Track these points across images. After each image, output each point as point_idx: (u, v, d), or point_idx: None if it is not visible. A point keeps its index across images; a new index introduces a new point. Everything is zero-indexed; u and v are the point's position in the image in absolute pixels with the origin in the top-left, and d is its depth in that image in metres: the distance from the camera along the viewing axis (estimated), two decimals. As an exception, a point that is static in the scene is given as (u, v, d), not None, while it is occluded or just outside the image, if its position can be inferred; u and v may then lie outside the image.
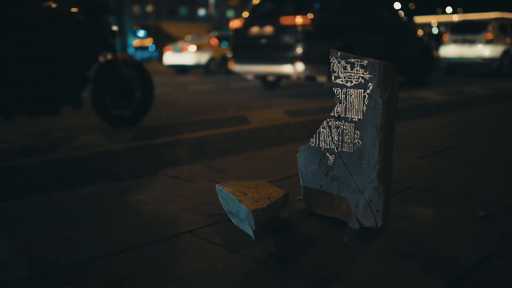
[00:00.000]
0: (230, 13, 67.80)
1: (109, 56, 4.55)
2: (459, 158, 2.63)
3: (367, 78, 1.51)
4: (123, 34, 20.97)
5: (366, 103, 1.52)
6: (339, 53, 1.59)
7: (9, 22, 3.58)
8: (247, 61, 8.33)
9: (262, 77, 9.14)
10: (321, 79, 7.76)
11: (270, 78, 9.32)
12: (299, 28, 7.49)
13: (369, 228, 1.55)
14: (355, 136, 1.55)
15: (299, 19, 7.42)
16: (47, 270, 1.28)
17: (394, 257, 1.35)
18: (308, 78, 8.06)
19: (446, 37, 14.94)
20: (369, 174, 1.53)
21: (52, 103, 3.96)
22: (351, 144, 1.56)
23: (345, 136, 1.58)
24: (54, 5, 3.88)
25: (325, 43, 7.46)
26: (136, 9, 58.60)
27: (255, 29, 8.12)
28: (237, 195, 1.55)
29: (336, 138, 1.60)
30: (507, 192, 1.97)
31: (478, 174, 2.26)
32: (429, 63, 10.62)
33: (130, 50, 22.73)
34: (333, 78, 1.60)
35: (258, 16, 8.21)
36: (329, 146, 1.62)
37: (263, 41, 8.04)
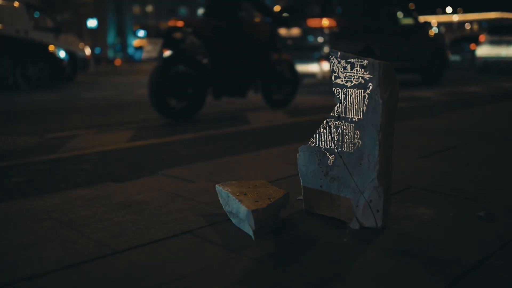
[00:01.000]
0: None
1: (276, 55, 6.01)
2: (459, 158, 2.63)
3: (367, 78, 1.51)
4: (123, 34, 21.06)
5: (366, 103, 1.52)
6: (339, 53, 1.59)
7: (241, 32, 5.58)
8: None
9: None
10: None
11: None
12: (326, 30, 8.21)
13: (369, 228, 1.55)
14: (355, 136, 1.55)
15: (325, 22, 8.13)
16: (47, 270, 1.28)
17: (394, 257, 1.35)
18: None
19: (483, 38, 16.14)
20: (369, 174, 1.53)
21: (247, 88, 5.73)
22: (351, 144, 1.56)
23: (345, 136, 1.58)
24: (257, 20, 6.36)
25: (348, 43, 8.16)
26: (136, 9, 58.58)
27: (282, 31, 8.78)
28: (237, 195, 1.55)
29: (336, 138, 1.60)
30: (507, 192, 1.97)
31: (478, 174, 2.26)
32: (443, 63, 11.02)
33: (130, 50, 22.75)
34: (333, 78, 1.60)
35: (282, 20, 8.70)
36: (329, 146, 1.62)
37: (290, 42, 8.69)
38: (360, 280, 1.21)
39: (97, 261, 1.33)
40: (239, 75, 5.59)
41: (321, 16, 8.32)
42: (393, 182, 1.68)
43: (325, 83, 9.30)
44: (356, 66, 1.54)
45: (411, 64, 10.01)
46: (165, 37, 4.98)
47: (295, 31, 8.62)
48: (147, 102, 5.05)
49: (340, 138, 1.59)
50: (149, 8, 58.77)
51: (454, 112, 5.21)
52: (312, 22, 8.34)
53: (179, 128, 4.63)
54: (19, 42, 9.64)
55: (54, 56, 9.86)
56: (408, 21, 10.28)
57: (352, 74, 1.55)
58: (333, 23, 8.17)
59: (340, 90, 1.58)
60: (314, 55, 8.29)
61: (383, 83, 1.49)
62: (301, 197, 1.78)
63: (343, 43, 8.17)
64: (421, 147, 2.92)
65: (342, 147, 1.59)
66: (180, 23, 5.05)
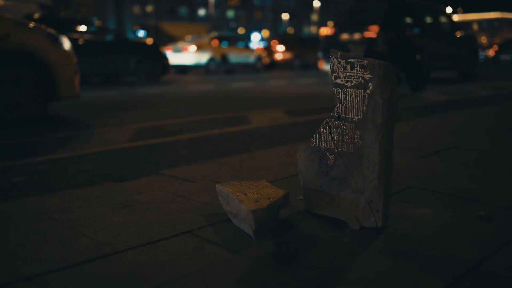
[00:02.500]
0: (230, 13, 67.84)
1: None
2: (459, 158, 2.63)
3: (367, 78, 1.51)
4: (123, 34, 21.35)
5: (366, 103, 1.52)
6: (339, 53, 1.59)
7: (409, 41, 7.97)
8: None
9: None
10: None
11: None
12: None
13: (369, 228, 1.55)
14: (355, 136, 1.55)
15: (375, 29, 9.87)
16: (47, 270, 1.28)
17: (394, 257, 1.35)
18: None
19: None
20: (369, 174, 1.53)
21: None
22: (351, 144, 1.56)
23: (345, 136, 1.58)
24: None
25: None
26: (136, 9, 58.60)
27: (344, 36, 10.44)
28: (237, 195, 1.55)
29: (336, 138, 1.60)
30: (507, 192, 1.97)
31: (478, 174, 2.26)
32: (476, 61, 12.31)
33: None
34: (333, 78, 1.60)
35: (345, 27, 10.68)
36: (329, 146, 1.62)
37: (350, 46, 10.13)
38: (360, 280, 1.21)
39: (97, 261, 1.33)
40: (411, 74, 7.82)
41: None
42: (393, 182, 1.68)
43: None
44: (356, 66, 1.54)
45: (452, 62, 11.39)
46: (368, 44, 7.80)
47: (356, 36, 10.24)
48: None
49: (340, 138, 1.59)
50: (149, 8, 58.79)
51: (454, 112, 5.20)
52: (372, 29, 9.95)
53: (178, 128, 4.63)
54: (141, 45, 12.52)
55: (163, 55, 12.44)
56: (447, 23, 11.63)
57: (352, 74, 1.55)
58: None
59: (340, 90, 1.58)
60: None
61: (383, 83, 1.49)
62: (301, 197, 1.78)
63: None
64: (421, 147, 2.92)
65: (342, 147, 1.59)
66: (373, 34, 7.98)
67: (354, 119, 1.55)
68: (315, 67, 20.30)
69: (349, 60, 1.56)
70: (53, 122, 5.04)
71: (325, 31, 11.44)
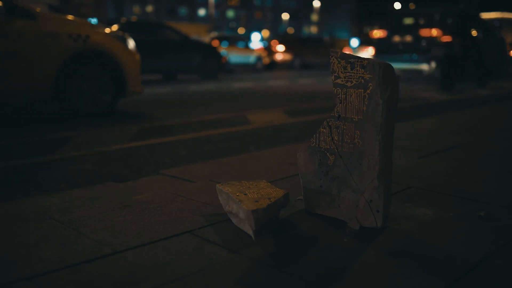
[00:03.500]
0: (230, 13, 67.88)
1: None
2: (459, 158, 2.63)
3: (367, 78, 1.51)
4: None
5: (366, 103, 1.52)
6: (339, 53, 1.59)
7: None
8: (388, 60, 10.88)
9: None
10: None
11: (399, 74, 13.22)
12: (438, 39, 10.79)
13: (369, 228, 1.55)
14: (355, 136, 1.55)
15: (434, 31, 10.76)
16: (47, 270, 1.28)
17: (394, 257, 1.35)
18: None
19: None
20: (369, 174, 1.53)
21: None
22: (351, 144, 1.56)
23: (345, 136, 1.58)
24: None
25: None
26: (136, 9, 58.59)
27: (396, 38, 11.49)
28: (237, 195, 1.55)
29: (336, 138, 1.60)
30: (507, 192, 1.97)
31: (478, 174, 2.26)
32: (506, 59, 13.23)
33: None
34: (333, 78, 1.60)
35: (397, 29, 11.63)
36: (329, 146, 1.62)
37: (401, 47, 11.34)
38: (360, 280, 1.21)
39: (97, 261, 1.33)
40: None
41: (430, 27, 10.99)
42: (393, 182, 1.68)
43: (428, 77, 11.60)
44: (356, 66, 1.54)
45: (489, 62, 12.29)
46: (445, 46, 9.66)
47: (408, 38, 11.21)
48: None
49: (340, 138, 1.59)
50: (149, 8, 58.78)
51: (454, 112, 5.21)
52: (423, 32, 10.94)
53: (179, 128, 4.63)
54: (203, 45, 14.06)
55: (219, 54, 13.84)
56: (491, 29, 12.57)
57: (352, 74, 1.55)
58: (440, 33, 10.70)
59: (340, 90, 1.58)
60: (424, 56, 10.74)
61: (383, 83, 1.49)
62: (301, 197, 1.78)
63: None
64: (421, 147, 2.92)
65: (342, 147, 1.59)
66: (448, 38, 9.86)
67: (354, 119, 1.55)
68: (316, 67, 20.62)
69: (349, 60, 1.56)
70: (124, 116, 5.52)
71: (378, 33, 12.74)
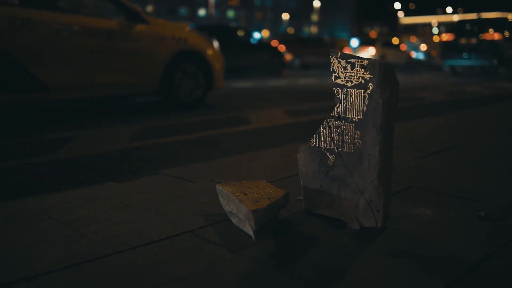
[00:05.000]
0: (230, 13, 67.86)
1: None
2: (459, 158, 2.63)
3: (367, 78, 1.51)
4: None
5: (366, 103, 1.52)
6: (339, 53, 1.59)
7: None
8: (454, 59, 14.90)
9: (452, 68, 15.40)
10: (501, 69, 14.46)
11: (459, 69, 15.49)
12: (496, 41, 13.86)
13: (369, 228, 1.55)
14: (355, 136, 1.55)
15: (496, 35, 13.81)
16: (47, 270, 1.28)
17: (394, 257, 1.35)
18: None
19: None
20: (369, 174, 1.53)
21: None
22: (351, 144, 1.56)
23: (345, 136, 1.58)
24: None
25: (507, 48, 13.99)
26: (136, 9, 58.53)
27: (462, 41, 14.41)
28: (237, 195, 1.55)
29: (336, 138, 1.60)
30: (507, 192, 1.97)
31: (478, 174, 2.26)
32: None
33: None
34: (333, 78, 1.60)
35: (462, 33, 14.56)
36: (329, 146, 1.62)
37: (466, 48, 14.23)
38: (360, 280, 1.21)
39: (97, 261, 1.33)
40: None
41: (493, 32, 14.00)
42: (393, 182, 1.68)
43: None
44: (356, 66, 1.54)
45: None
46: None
47: (473, 41, 14.17)
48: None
49: (341, 138, 1.59)
50: (149, 8, 58.76)
51: (454, 112, 5.20)
52: (486, 36, 13.94)
53: (179, 128, 4.63)
54: (270, 46, 16.43)
55: (282, 53, 16.08)
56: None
57: (353, 74, 1.55)
58: (500, 37, 13.78)
59: (340, 90, 1.58)
60: (485, 55, 13.76)
61: (383, 83, 1.49)
62: (301, 197, 1.78)
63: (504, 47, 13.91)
64: (421, 147, 2.92)
65: (342, 147, 1.59)
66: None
67: (354, 119, 1.55)
68: (316, 67, 20.78)
69: (349, 60, 1.56)
70: (212, 107, 6.37)
71: (445, 37, 15.54)
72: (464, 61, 14.56)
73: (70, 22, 4.93)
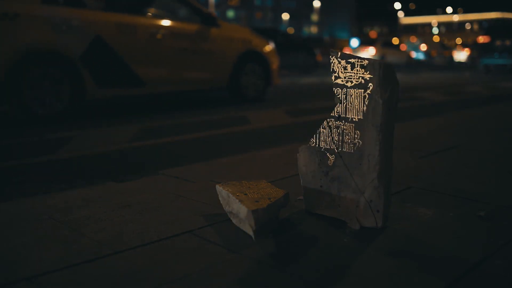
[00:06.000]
0: (230, 13, 67.86)
1: None
2: (459, 158, 2.63)
3: (367, 78, 1.51)
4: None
5: (366, 103, 1.52)
6: (339, 53, 1.59)
7: None
8: (488, 59, 16.60)
9: (486, 66, 16.85)
10: None
11: (491, 68, 16.71)
12: None
13: (369, 228, 1.55)
14: (355, 136, 1.55)
15: None
16: (47, 270, 1.28)
17: (394, 257, 1.35)
18: None
19: None
20: (369, 174, 1.53)
21: None
22: (351, 144, 1.56)
23: (345, 136, 1.58)
24: None
25: None
26: (136, 9, 58.49)
27: (498, 42, 16.25)
28: (237, 195, 1.55)
29: (336, 138, 1.60)
30: (506, 192, 1.97)
31: (478, 174, 2.26)
32: None
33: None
34: (333, 78, 1.60)
35: (497, 36, 16.45)
36: (329, 146, 1.62)
37: (500, 48, 16.03)
38: (360, 280, 1.21)
39: (97, 261, 1.33)
40: None
41: None
42: (393, 182, 1.68)
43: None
44: (356, 66, 1.54)
45: None
46: None
47: (507, 42, 15.96)
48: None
49: (341, 138, 1.59)
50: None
51: (454, 112, 5.20)
52: None
53: (179, 128, 4.63)
54: (305, 45, 17.32)
55: (314, 52, 17.09)
56: None
57: (353, 74, 1.55)
58: None
59: (340, 90, 1.58)
60: None
61: (383, 83, 1.49)
62: (301, 197, 1.78)
63: None
64: (421, 147, 2.92)
65: (342, 147, 1.59)
66: None
67: (354, 119, 1.55)
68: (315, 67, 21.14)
69: (349, 60, 1.56)
70: (269, 101, 7.04)
71: (482, 39, 17.56)
72: (496, 60, 16.37)
73: (162, 26, 5.74)
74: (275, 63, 7.03)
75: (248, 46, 6.61)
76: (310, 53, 16.76)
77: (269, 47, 7.06)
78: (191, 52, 5.97)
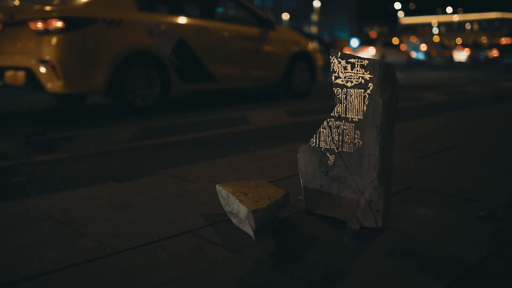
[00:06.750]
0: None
1: None
2: (459, 158, 2.63)
3: (367, 78, 1.51)
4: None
5: (366, 103, 1.52)
6: (339, 53, 1.59)
7: None
8: (509, 58, 18.46)
9: (508, 65, 18.69)
10: None
11: None
12: None
13: (369, 228, 1.55)
14: (356, 136, 1.55)
15: None
16: (47, 270, 1.28)
17: (394, 257, 1.35)
18: None
19: None
20: (369, 174, 1.53)
21: None
22: (352, 144, 1.56)
23: (345, 136, 1.58)
24: None
25: None
26: (136, 9, 58.47)
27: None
28: (238, 195, 1.55)
29: (336, 138, 1.60)
30: (506, 192, 1.97)
31: (478, 174, 2.26)
32: None
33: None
34: (333, 78, 1.60)
35: None
36: (329, 146, 1.62)
37: None
38: (360, 280, 1.21)
39: (97, 261, 1.33)
40: None
41: None
42: (393, 182, 1.68)
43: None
44: (356, 66, 1.54)
45: None
46: None
47: None
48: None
49: (341, 138, 1.59)
50: (149, 8, 58.67)
51: (454, 112, 5.21)
52: None
53: (179, 128, 4.63)
54: (331, 46, 19.20)
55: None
56: None
57: (353, 74, 1.55)
58: None
59: (340, 90, 1.58)
60: None
61: (383, 83, 1.49)
62: (301, 197, 1.78)
63: None
64: (421, 147, 2.92)
65: (342, 147, 1.59)
66: None
67: (354, 119, 1.55)
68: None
69: (350, 60, 1.56)
70: (314, 96, 7.66)
71: (504, 40, 18.86)
72: None
73: (231, 29, 6.55)
74: (319, 61, 7.76)
75: (298, 46, 7.41)
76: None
77: (314, 47, 8.01)
78: (253, 53, 6.81)
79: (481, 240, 1.46)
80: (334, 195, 1.63)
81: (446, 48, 37.76)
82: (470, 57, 34.02)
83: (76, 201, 1.89)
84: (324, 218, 1.66)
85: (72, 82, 4.99)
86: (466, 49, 36.45)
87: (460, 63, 31.68)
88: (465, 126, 3.89)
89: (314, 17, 77.67)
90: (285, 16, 72.46)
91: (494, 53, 31.26)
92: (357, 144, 1.55)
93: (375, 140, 1.51)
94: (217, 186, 1.68)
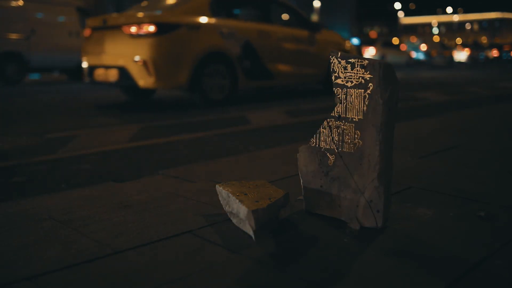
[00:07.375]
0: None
1: None
2: (459, 158, 2.63)
3: (368, 78, 1.51)
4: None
5: (366, 103, 1.52)
6: (339, 53, 1.59)
7: None
8: None
9: None
10: None
11: None
12: None
13: (369, 228, 1.55)
14: (356, 136, 1.55)
15: None
16: (47, 270, 1.28)
17: (394, 257, 1.35)
18: None
19: None
20: (370, 174, 1.53)
21: None
22: (352, 144, 1.56)
23: (345, 136, 1.58)
24: None
25: None
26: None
27: None
28: (238, 195, 1.55)
29: (336, 138, 1.60)
30: (506, 192, 1.97)
31: (478, 174, 2.26)
32: None
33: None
34: (333, 78, 1.60)
35: None
36: (330, 146, 1.62)
37: None
38: (360, 280, 1.21)
39: (97, 261, 1.33)
40: None
41: None
42: (393, 182, 1.68)
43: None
44: (356, 66, 1.54)
45: None
46: None
47: None
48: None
49: (341, 138, 1.59)
50: (149, 8, 58.67)
51: (454, 112, 5.20)
52: None
53: (179, 128, 4.63)
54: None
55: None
56: None
57: (353, 74, 1.55)
58: None
59: (340, 90, 1.58)
60: None
61: (384, 83, 1.49)
62: (301, 197, 1.78)
63: None
64: (421, 147, 2.92)
65: (342, 147, 1.59)
66: None
67: (354, 119, 1.55)
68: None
69: (350, 60, 1.56)
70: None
71: None
72: None
73: (285, 32, 7.44)
74: None
75: (340, 47, 8.18)
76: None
77: (352, 46, 8.94)
78: (304, 52, 7.61)
79: (481, 240, 1.46)
80: (334, 195, 1.63)
81: (446, 48, 37.77)
82: (470, 57, 34.04)
83: (76, 201, 1.89)
84: (324, 218, 1.66)
85: (162, 79, 5.77)
86: (466, 49, 36.49)
87: (460, 63, 31.72)
88: (465, 126, 3.89)
89: (314, 17, 77.63)
90: (285, 16, 72.40)
91: (494, 53, 31.47)
92: (357, 144, 1.55)
93: (375, 140, 1.51)
94: (217, 186, 1.68)
